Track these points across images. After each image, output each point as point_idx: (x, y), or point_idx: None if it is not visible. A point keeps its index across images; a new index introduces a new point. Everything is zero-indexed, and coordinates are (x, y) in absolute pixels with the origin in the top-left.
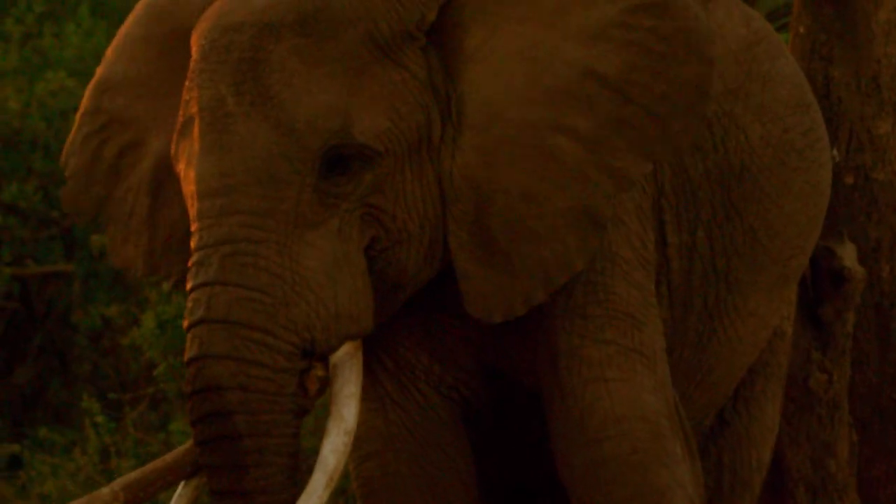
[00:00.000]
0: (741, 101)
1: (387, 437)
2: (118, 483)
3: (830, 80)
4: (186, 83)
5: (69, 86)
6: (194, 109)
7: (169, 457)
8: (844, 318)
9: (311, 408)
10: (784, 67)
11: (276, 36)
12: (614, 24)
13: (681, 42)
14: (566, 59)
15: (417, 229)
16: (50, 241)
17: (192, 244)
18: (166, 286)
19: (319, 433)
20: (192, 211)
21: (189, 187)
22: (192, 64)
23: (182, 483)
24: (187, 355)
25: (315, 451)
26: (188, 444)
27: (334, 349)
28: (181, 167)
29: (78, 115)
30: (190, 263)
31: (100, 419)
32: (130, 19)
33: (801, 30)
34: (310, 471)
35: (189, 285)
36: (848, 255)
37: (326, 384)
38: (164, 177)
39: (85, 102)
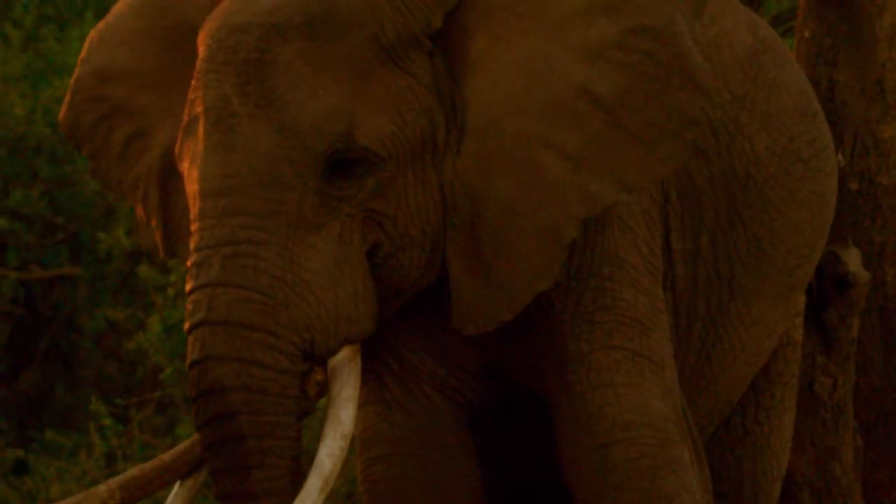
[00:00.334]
0: (747, 110)
1: (393, 440)
2: (115, 481)
3: (835, 84)
4: (193, 82)
5: None
6: (199, 109)
7: (166, 456)
8: (849, 323)
9: (311, 410)
10: (790, 76)
11: (283, 37)
12: (613, 44)
13: (675, 68)
14: (563, 74)
15: (420, 234)
16: (55, 246)
17: (192, 244)
18: (172, 291)
19: None
20: (194, 210)
21: (192, 186)
22: (198, 63)
23: (178, 482)
24: (189, 358)
25: None
26: (186, 443)
27: (334, 352)
28: (185, 166)
29: (75, 100)
30: (190, 264)
31: (107, 422)
32: (124, 9)
33: (806, 34)
34: None
35: (189, 286)
36: (852, 259)
37: (325, 388)
38: (172, 169)
39: (82, 88)
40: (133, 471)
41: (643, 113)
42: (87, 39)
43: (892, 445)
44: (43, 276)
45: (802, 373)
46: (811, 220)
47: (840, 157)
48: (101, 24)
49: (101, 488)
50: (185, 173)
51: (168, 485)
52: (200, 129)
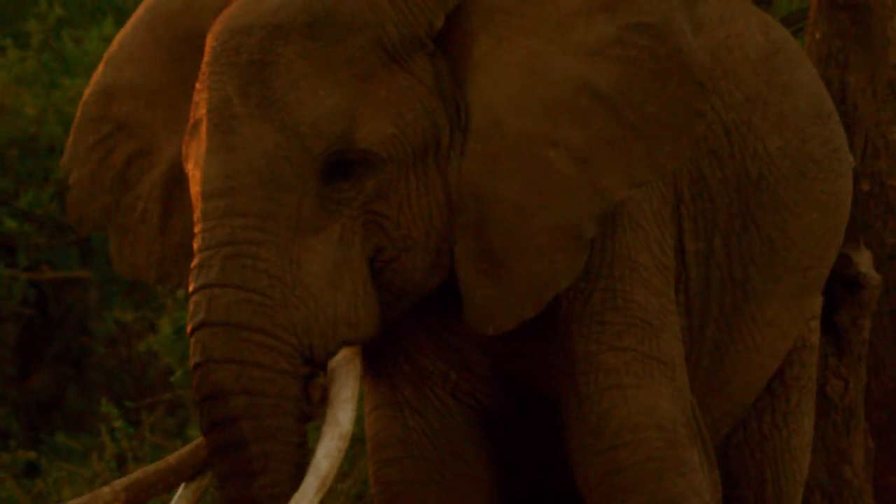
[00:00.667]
0: (759, 111)
1: (406, 443)
2: (119, 483)
3: (846, 86)
4: (197, 84)
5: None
6: (203, 111)
7: (171, 458)
8: (860, 325)
9: (314, 415)
10: (804, 77)
11: (285, 39)
12: (612, 40)
13: (675, 64)
14: (564, 72)
15: (423, 237)
16: (66, 247)
17: (195, 245)
18: (182, 292)
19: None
20: (197, 212)
21: (195, 188)
22: (202, 66)
23: (183, 485)
24: (192, 360)
25: None
26: (191, 446)
27: (332, 355)
28: (190, 167)
29: (78, 122)
30: (192, 265)
31: (117, 424)
32: (134, 24)
33: (817, 35)
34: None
35: (191, 288)
36: (864, 261)
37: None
38: (176, 183)
39: (88, 109)
40: (137, 473)
41: (645, 108)
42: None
43: None
44: (53, 277)
45: None
46: (824, 221)
47: (851, 158)
48: (113, 43)
49: (106, 490)
50: (190, 175)
51: (173, 487)
52: (203, 130)
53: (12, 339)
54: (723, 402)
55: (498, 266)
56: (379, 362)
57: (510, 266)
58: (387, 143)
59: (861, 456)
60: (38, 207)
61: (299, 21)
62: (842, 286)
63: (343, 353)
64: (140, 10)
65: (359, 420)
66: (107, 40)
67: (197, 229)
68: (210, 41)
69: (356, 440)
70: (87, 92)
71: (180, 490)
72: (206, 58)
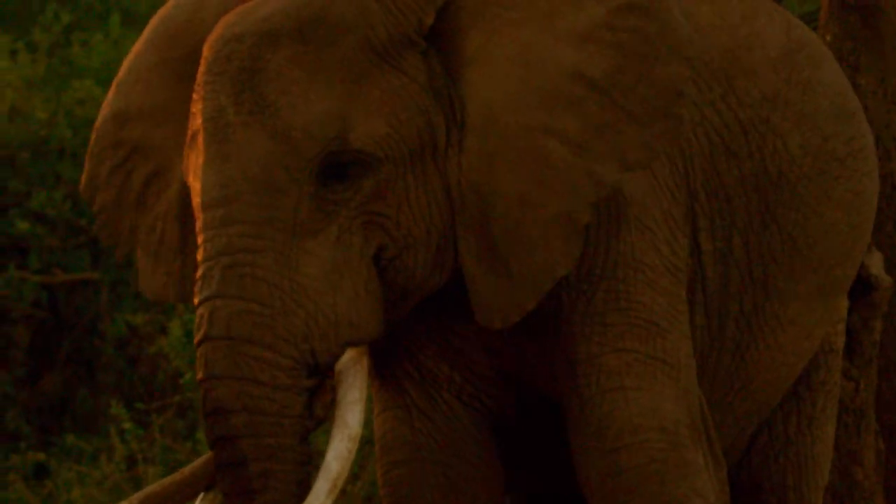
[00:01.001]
0: (779, 109)
1: (413, 445)
2: (136, 497)
3: (856, 88)
4: (194, 95)
5: (96, 95)
6: (199, 121)
7: (187, 469)
8: (871, 327)
9: (324, 418)
10: (826, 75)
11: (275, 45)
12: (601, 25)
13: (663, 40)
14: (556, 61)
15: (424, 235)
16: (77, 250)
17: (198, 257)
18: None
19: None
20: (198, 223)
21: (195, 199)
22: (198, 76)
23: (201, 496)
24: (197, 374)
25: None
26: (206, 456)
27: (336, 357)
28: (191, 179)
29: (93, 148)
30: (196, 276)
31: (127, 426)
32: (142, 44)
33: (828, 37)
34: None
35: (196, 300)
36: (875, 263)
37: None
38: (191, 201)
39: (103, 135)
40: (153, 486)
41: (636, 91)
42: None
43: None
44: (65, 279)
45: None
46: (848, 219)
47: None
48: (120, 69)
49: None
50: (191, 187)
51: (190, 499)
52: (200, 141)
53: (23, 340)
54: (745, 401)
55: (501, 259)
56: (386, 365)
57: (512, 258)
58: (381, 143)
59: (872, 457)
60: (50, 209)
61: (288, 27)
62: (853, 288)
63: (349, 355)
64: (147, 31)
65: (368, 422)
66: (114, 42)
67: (199, 240)
68: (205, 51)
69: (365, 442)
70: (99, 118)
71: (198, 501)
72: (201, 68)
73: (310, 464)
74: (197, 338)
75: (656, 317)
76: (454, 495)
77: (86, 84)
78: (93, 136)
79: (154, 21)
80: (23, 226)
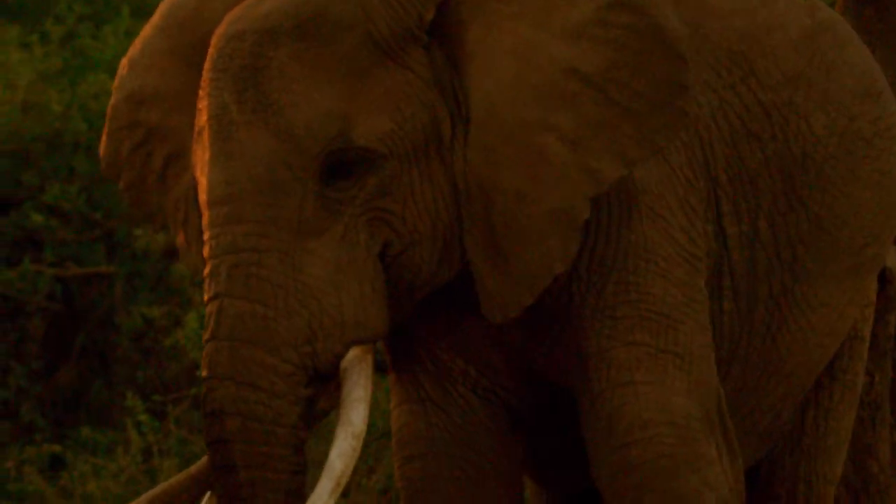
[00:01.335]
0: (802, 90)
1: (428, 439)
2: (145, 497)
3: None
4: (200, 91)
5: (110, 88)
6: (204, 118)
7: (193, 469)
8: (886, 320)
9: (313, 425)
10: (852, 56)
11: (276, 42)
12: (594, 21)
13: (656, 39)
14: (551, 57)
15: (429, 230)
16: (92, 243)
17: (205, 253)
18: None
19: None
20: (204, 219)
21: (201, 196)
22: (203, 72)
23: (208, 494)
24: (202, 373)
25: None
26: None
27: (339, 358)
28: (198, 175)
29: (110, 128)
30: (204, 273)
31: (143, 418)
32: (150, 29)
33: None
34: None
35: (205, 297)
36: (890, 256)
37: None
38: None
39: (119, 116)
40: (161, 486)
41: (631, 86)
42: (119, 66)
43: None
44: (79, 272)
45: None
46: (877, 199)
47: None
48: (131, 49)
49: None
50: (198, 182)
51: (197, 498)
52: (206, 137)
53: (38, 333)
54: (779, 384)
55: (502, 254)
56: (402, 359)
57: (514, 253)
58: (385, 139)
59: (887, 451)
60: (65, 202)
61: (289, 24)
62: None
63: (354, 353)
64: (156, 16)
65: (383, 415)
66: (126, 34)
67: (205, 237)
68: (211, 46)
69: (381, 435)
70: (113, 97)
71: (205, 500)
72: (207, 63)
73: (304, 473)
74: (205, 336)
75: (668, 308)
76: (470, 489)
77: (100, 78)
78: (108, 115)
79: (163, 6)
80: (37, 219)
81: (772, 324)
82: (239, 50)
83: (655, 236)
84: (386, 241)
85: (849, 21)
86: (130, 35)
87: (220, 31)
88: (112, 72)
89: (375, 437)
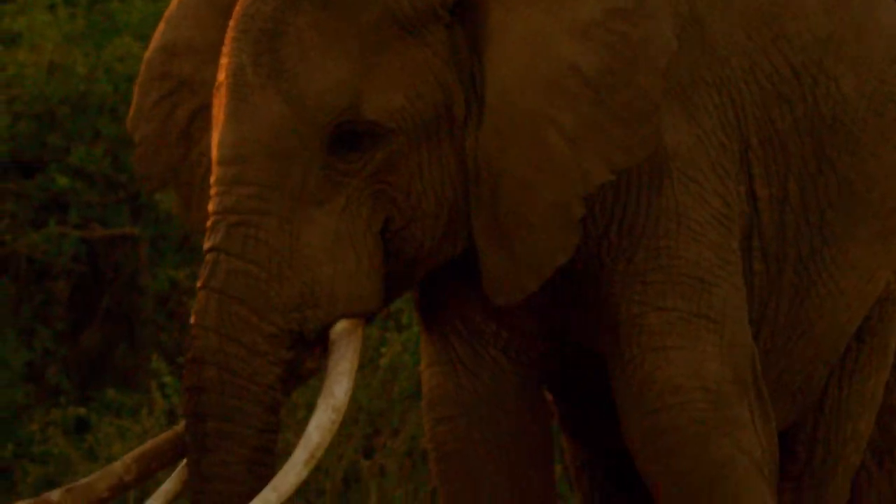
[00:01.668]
0: (832, 52)
1: (458, 402)
2: (130, 456)
3: None
4: (223, 48)
5: (136, 51)
6: (223, 76)
7: (179, 427)
8: None
9: (294, 387)
10: (882, 17)
11: (297, 9)
12: (597, 23)
13: (641, 52)
14: (558, 51)
15: (433, 208)
16: (117, 205)
17: (209, 208)
18: None
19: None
20: (212, 175)
21: (213, 152)
22: (228, 30)
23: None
24: (191, 319)
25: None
26: None
27: (326, 327)
28: (213, 132)
29: (142, 80)
30: (207, 226)
31: (168, 380)
32: None
33: None
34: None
35: (205, 247)
36: None
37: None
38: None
39: (151, 67)
40: (147, 444)
41: (622, 94)
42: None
43: None
44: (104, 234)
45: None
46: None
47: None
48: (171, 2)
49: (117, 465)
50: (213, 138)
51: (182, 456)
52: (223, 95)
53: (63, 296)
54: (808, 347)
55: (507, 238)
56: (433, 320)
57: (518, 238)
58: (395, 114)
59: None
60: (90, 164)
61: None
62: None
63: (344, 325)
64: None
65: (412, 376)
66: None
67: (211, 192)
68: (237, 4)
69: (406, 396)
70: (149, 50)
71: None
72: (231, 21)
73: (275, 432)
74: (199, 283)
75: (701, 271)
76: (498, 451)
77: (125, 41)
78: (142, 68)
79: None
80: (62, 181)
81: (800, 286)
82: (261, 12)
83: (688, 200)
84: (388, 216)
85: None
86: None
87: None
88: (138, 35)
89: (400, 397)
